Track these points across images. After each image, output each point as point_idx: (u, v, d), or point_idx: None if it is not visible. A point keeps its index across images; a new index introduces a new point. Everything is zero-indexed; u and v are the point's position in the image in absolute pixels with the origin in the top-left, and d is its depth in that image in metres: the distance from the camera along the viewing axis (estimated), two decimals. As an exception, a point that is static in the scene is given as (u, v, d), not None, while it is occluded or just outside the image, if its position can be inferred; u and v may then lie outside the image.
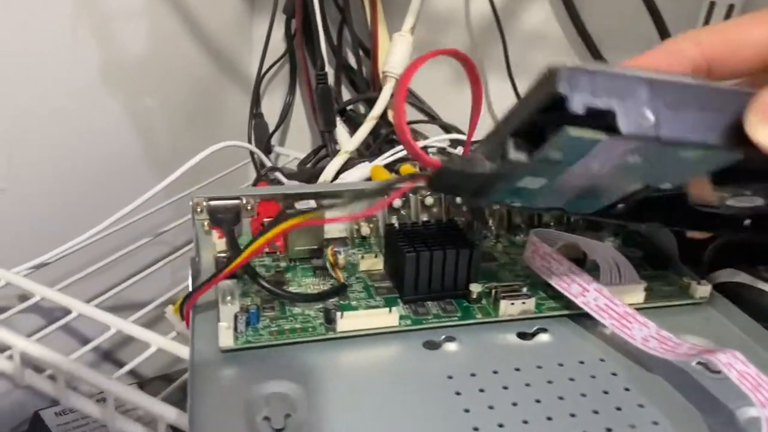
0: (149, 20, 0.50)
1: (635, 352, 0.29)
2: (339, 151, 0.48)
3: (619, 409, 0.26)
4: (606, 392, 0.27)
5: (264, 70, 0.57)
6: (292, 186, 0.41)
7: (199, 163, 0.44)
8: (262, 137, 0.57)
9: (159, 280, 0.47)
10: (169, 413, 0.25)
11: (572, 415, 0.26)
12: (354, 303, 0.32)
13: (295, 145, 0.61)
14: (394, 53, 0.50)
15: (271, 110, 0.59)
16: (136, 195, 0.43)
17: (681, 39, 0.25)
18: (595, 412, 0.26)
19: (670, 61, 0.25)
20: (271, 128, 0.59)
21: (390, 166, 0.44)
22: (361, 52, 0.55)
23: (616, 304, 0.30)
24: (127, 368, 0.30)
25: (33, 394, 0.48)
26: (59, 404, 0.43)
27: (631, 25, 0.46)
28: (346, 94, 0.56)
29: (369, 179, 0.43)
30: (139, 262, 0.49)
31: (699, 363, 0.29)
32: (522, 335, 0.31)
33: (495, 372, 0.28)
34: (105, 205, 0.45)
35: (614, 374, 0.28)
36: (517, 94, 0.51)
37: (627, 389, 0.27)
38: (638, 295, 0.32)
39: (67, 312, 0.34)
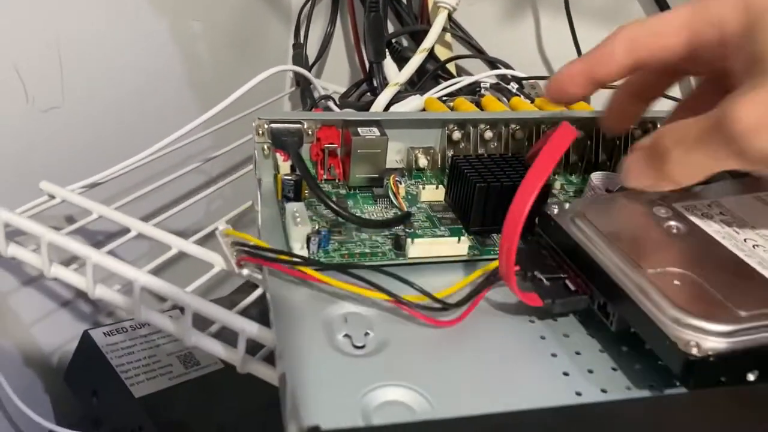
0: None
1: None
2: (387, 84, 0.47)
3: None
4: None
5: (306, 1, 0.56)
6: (353, 113, 0.40)
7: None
8: (302, 68, 0.56)
9: (194, 211, 0.47)
10: (251, 327, 0.25)
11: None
12: (419, 232, 0.31)
13: (333, 79, 0.60)
14: (448, -16, 0.48)
15: (310, 41, 0.58)
16: (181, 121, 0.42)
17: (615, 41, 0.29)
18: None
19: (600, 69, 0.29)
20: (311, 61, 0.58)
21: (442, 99, 0.44)
22: (408, -15, 0.54)
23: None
24: (195, 284, 0.30)
25: (79, 314, 0.49)
26: (107, 325, 0.43)
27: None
28: (390, 28, 0.55)
29: (423, 110, 0.42)
30: (174, 191, 0.49)
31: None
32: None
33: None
34: (148, 130, 0.44)
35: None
36: (573, 32, 0.50)
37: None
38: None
39: (125, 231, 0.34)
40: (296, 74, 0.54)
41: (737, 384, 0.23)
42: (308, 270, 0.26)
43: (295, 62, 0.56)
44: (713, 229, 0.29)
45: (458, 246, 0.30)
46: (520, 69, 0.50)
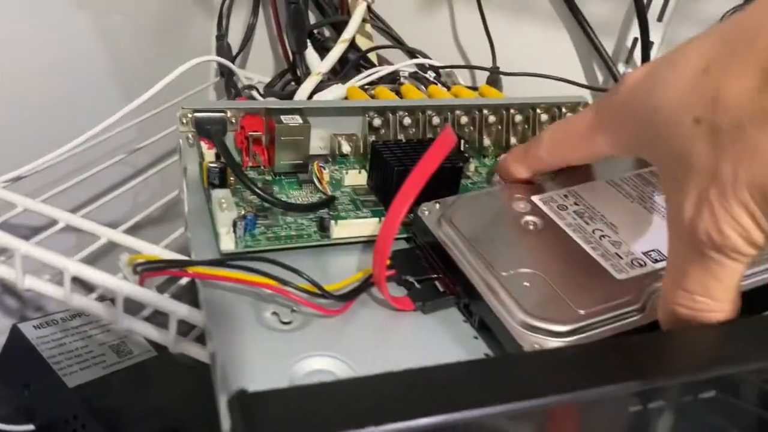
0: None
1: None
2: (310, 73, 0.48)
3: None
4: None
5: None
6: (276, 101, 0.41)
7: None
8: (226, 59, 0.56)
9: (120, 202, 0.46)
10: (181, 309, 0.26)
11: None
12: (343, 214, 0.33)
13: (258, 69, 0.60)
14: (365, -24, 0.50)
15: (233, 32, 0.58)
16: (106, 113, 0.42)
17: (541, 145, 0.31)
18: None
19: (535, 166, 0.32)
20: (234, 51, 0.58)
21: (364, 88, 0.45)
22: (326, -23, 0.54)
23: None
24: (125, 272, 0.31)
25: (6, 310, 0.48)
26: (36, 318, 0.43)
27: None
28: (311, 19, 0.56)
29: (346, 99, 0.43)
30: (100, 183, 0.48)
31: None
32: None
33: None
34: (72, 123, 0.44)
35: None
36: (484, 22, 0.52)
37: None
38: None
39: (53, 223, 0.34)
40: (220, 65, 0.54)
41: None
42: (199, 269, 0.26)
43: (219, 53, 0.56)
44: (566, 222, 0.30)
45: (379, 226, 0.31)
46: (437, 58, 0.51)
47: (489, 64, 0.52)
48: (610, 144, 0.27)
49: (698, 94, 0.21)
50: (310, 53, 0.51)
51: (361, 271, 0.28)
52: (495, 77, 0.50)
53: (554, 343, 0.24)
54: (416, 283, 0.28)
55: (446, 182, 0.33)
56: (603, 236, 0.29)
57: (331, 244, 0.31)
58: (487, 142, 0.41)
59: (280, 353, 0.23)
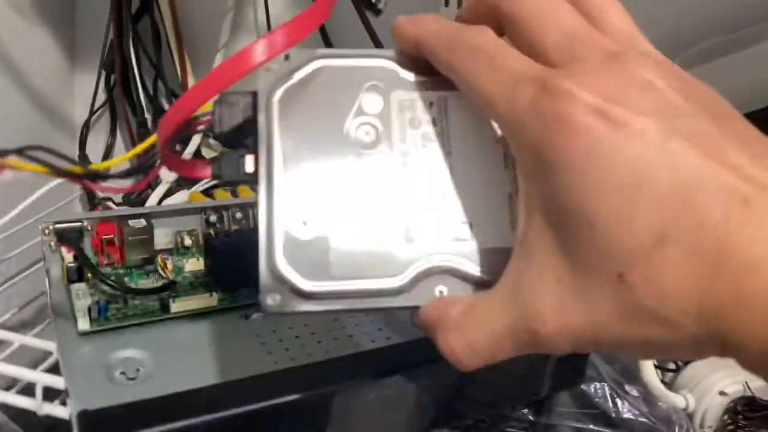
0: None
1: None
2: (160, 182, 0.55)
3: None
4: (357, 325, 0.38)
5: (88, 118, 0.63)
6: (125, 209, 0.48)
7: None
8: (89, 176, 0.62)
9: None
10: (45, 378, 0.32)
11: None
12: (183, 294, 0.40)
13: (118, 182, 0.67)
14: (203, 101, 0.59)
15: (95, 152, 0.65)
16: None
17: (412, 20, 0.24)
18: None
19: None
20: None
21: (205, 192, 0.53)
22: (174, 100, 0.63)
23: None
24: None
25: None
26: None
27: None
28: (163, 136, 0.64)
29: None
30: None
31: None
32: (310, 304, 0.41)
33: (290, 327, 0.38)
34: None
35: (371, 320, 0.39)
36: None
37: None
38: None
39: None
40: (83, 181, 0.61)
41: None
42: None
43: (82, 170, 0.63)
44: (402, 148, 0.24)
45: (210, 299, 0.39)
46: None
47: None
48: None
49: None
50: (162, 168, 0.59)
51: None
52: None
53: (301, 304, 0.22)
54: (222, 148, 0.24)
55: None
56: (426, 183, 0.23)
57: (172, 317, 0.38)
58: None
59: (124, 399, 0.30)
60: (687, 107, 0.19)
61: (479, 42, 0.21)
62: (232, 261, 0.40)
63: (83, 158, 0.63)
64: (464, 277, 0.23)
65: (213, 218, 0.46)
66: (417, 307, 0.23)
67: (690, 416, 0.42)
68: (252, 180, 0.23)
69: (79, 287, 0.37)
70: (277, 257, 0.22)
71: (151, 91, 0.62)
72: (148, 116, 0.60)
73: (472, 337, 0.21)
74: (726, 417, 0.42)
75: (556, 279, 0.20)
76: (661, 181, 0.18)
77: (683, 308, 0.17)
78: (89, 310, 0.36)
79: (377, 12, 0.41)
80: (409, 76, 0.24)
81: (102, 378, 0.32)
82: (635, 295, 0.18)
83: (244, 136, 0.24)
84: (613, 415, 0.37)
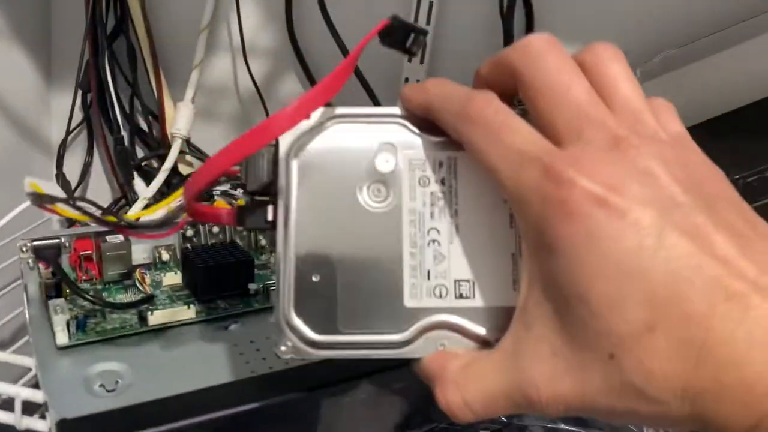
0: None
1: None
2: (138, 199, 0.56)
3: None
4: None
5: (65, 137, 0.63)
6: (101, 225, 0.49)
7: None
8: (67, 194, 0.62)
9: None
10: (24, 392, 0.32)
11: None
12: (160, 307, 0.40)
13: (96, 199, 0.67)
14: (179, 117, 0.59)
15: (73, 171, 0.65)
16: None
17: (418, 87, 0.25)
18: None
19: None
20: (74, 186, 0.65)
21: (182, 208, 0.53)
22: (150, 118, 0.64)
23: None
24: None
25: None
26: None
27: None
28: (140, 153, 0.64)
29: (166, 218, 0.52)
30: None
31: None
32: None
33: (267, 338, 0.38)
34: None
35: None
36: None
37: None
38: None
39: None
40: (60, 199, 0.61)
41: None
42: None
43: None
44: (411, 206, 0.25)
45: (188, 311, 0.39)
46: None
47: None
48: None
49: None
50: (138, 182, 0.59)
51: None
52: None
53: (311, 352, 0.24)
54: (252, 200, 0.25)
55: (236, 276, 0.42)
56: (433, 242, 0.24)
57: (150, 330, 0.38)
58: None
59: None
60: (684, 200, 0.20)
61: (486, 114, 0.22)
62: (210, 274, 0.41)
63: (61, 177, 0.64)
64: (465, 333, 0.24)
65: (190, 233, 0.47)
66: (416, 359, 0.24)
67: None
68: (272, 227, 0.24)
69: (57, 303, 0.37)
70: (291, 309, 0.24)
71: (127, 110, 0.63)
72: (124, 134, 0.61)
73: (468, 393, 0.22)
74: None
75: (551, 351, 0.21)
76: (654, 273, 0.19)
77: (668, 390, 0.19)
78: (68, 324, 0.36)
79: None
80: (420, 137, 0.25)
81: (81, 390, 0.32)
82: (624, 374, 0.19)
83: (268, 189, 0.25)
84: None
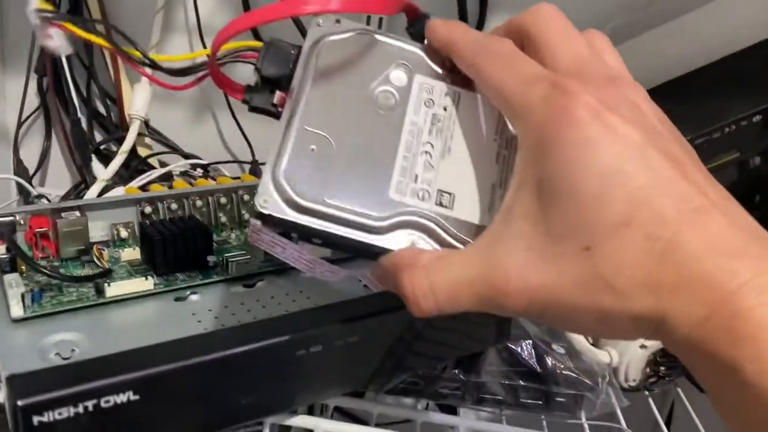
0: None
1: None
2: (97, 180, 0.55)
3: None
4: (294, 301, 0.39)
5: (21, 122, 0.62)
6: (56, 202, 0.48)
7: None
8: (23, 179, 0.62)
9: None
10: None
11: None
12: (118, 280, 0.40)
13: (56, 184, 0.66)
14: (136, 99, 0.59)
15: (31, 157, 0.64)
16: None
17: (447, 26, 0.28)
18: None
19: None
20: (32, 172, 0.64)
21: (141, 188, 0.53)
22: (108, 102, 0.63)
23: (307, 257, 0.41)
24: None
25: None
26: None
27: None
28: (98, 137, 0.64)
29: (124, 197, 0.51)
30: None
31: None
32: (246, 284, 0.41)
33: (226, 306, 0.38)
34: None
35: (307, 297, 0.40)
36: (240, 128, 0.63)
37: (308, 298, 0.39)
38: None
39: None
40: (18, 184, 0.60)
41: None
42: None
43: (16, 174, 0.62)
44: (413, 118, 0.27)
45: (146, 283, 0.39)
46: (209, 159, 0.61)
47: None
48: None
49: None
50: (96, 165, 0.59)
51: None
52: (255, 167, 0.60)
53: (288, 212, 0.24)
54: (259, 81, 0.27)
55: (195, 249, 0.42)
56: (425, 153, 0.27)
57: (107, 302, 0.38)
58: (246, 216, 0.50)
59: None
60: (662, 131, 0.23)
61: (502, 49, 0.26)
62: (168, 247, 0.41)
63: (18, 163, 0.63)
64: (437, 238, 0.26)
65: (148, 210, 0.47)
66: (387, 251, 0.25)
67: (615, 371, 0.44)
68: (275, 113, 0.26)
69: (12, 277, 0.37)
70: (282, 165, 0.25)
71: (84, 94, 0.62)
72: (82, 117, 0.60)
73: (436, 279, 0.24)
74: (648, 369, 0.45)
75: (527, 245, 0.23)
76: (636, 177, 0.22)
77: (633, 281, 0.21)
78: (23, 297, 0.36)
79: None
80: (434, 67, 0.28)
81: (35, 358, 0.32)
82: (596, 265, 0.21)
83: (279, 82, 0.27)
84: (540, 370, 0.39)
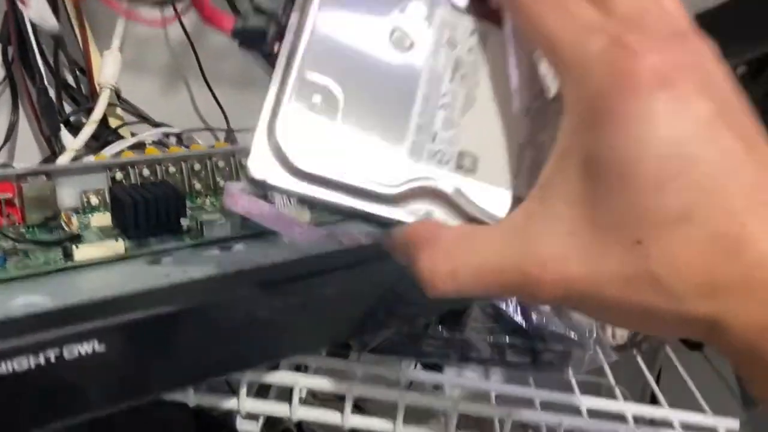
0: None
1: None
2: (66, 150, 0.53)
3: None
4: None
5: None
6: (24, 168, 0.46)
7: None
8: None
9: None
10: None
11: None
12: (87, 243, 0.38)
13: (25, 158, 0.64)
14: (106, 67, 0.57)
15: (-2, 129, 0.62)
16: None
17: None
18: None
19: None
20: (-1, 145, 0.61)
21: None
22: (77, 72, 0.61)
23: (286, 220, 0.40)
24: None
25: None
26: None
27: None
28: (68, 110, 0.61)
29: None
30: None
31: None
32: (222, 248, 0.40)
33: (202, 268, 0.37)
34: None
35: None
36: (214, 96, 0.61)
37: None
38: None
39: None
40: (-15, 159, 0.58)
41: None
42: None
43: (-16, 150, 0.60)
44: (432, 63, 0.23)
45: (117, 245, 0.38)
46: (182, 127, 0.59)
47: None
48: None
49: None
50: (65, 135, 0.57)
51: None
52: (229, 136, 0.59)
53: (287, 179, 0.21)
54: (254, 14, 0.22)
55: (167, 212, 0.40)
56: (445, 106, 0.23)
57: (76, 266, 0.36)
58: (221, 183, 0.49)
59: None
60: (735, 103, 0.20)
61: None
62: (140, 209, 0.39)
63: (-16, 137, 0.60)
64: (458, 209, 0.23)
65: (119, 176, 0.45)
66: (399, 223, 0.22)
67: (602, 329, 0.43)
68: (266, 51, 0.22)
69: (-27, 241, 0.35)
70: (278, 124, 0.20)
71: (52, 64, 0.60)
72: (49, 87, 0.58)
73: (459, 262, 0.21)
74: (634, 327, 0.44)
75: (568, 230, 0.20)
76: (703, 162, 0.19)
77: (691, 283, 0.18)
78: (-16, 262, 0.34)
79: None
80: (460, 3, 0.23)
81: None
82: (648, 262, 0.19)
83: (276, 16, 0.22)
84: (526, 326, 0.38)
